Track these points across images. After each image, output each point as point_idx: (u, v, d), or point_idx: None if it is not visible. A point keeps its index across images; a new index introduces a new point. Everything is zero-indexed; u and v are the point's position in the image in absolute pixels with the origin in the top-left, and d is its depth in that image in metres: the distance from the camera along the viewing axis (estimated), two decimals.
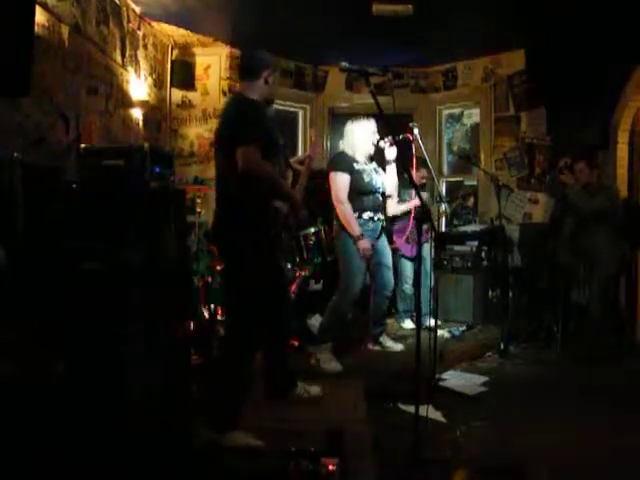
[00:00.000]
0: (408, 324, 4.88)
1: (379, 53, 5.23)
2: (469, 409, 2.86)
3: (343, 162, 3.58)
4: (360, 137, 3.61)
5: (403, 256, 4.86)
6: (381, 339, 4.03)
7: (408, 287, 4.86)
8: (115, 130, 4.12)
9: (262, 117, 2.43)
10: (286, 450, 2.01)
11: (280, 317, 2.63)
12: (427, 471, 2.15)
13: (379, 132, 3.66)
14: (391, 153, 3.65)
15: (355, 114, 3.81)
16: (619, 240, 4.15)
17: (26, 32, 2.35)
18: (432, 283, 4.40)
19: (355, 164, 3.57)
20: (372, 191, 3.62)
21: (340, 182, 3.52)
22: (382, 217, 3.69)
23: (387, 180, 3.73)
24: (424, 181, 4.94)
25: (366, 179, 3.59)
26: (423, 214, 2.37)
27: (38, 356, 1.98)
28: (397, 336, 4.51)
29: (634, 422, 2.69)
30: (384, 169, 3.75)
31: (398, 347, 4.04)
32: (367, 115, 3.66)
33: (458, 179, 6.27)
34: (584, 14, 4.21)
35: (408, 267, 4.87)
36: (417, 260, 2.53)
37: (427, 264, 4.66)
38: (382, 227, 3.72)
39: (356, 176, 3.55)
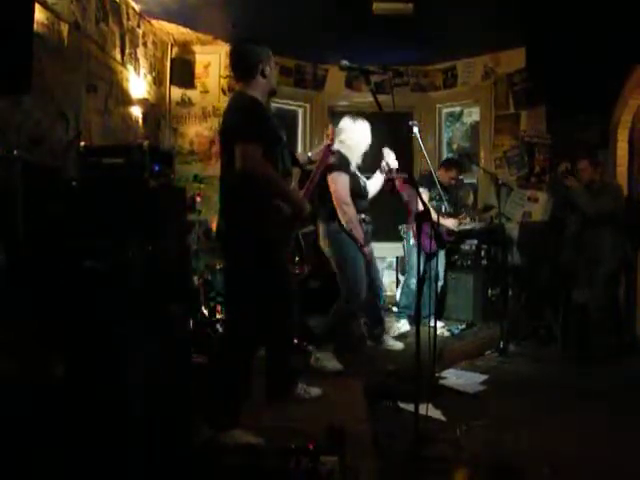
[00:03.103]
0: (404, 325, 4.83)
1: (379, 51, 5.22)
2: (469, 408, 2.87)
3: (344, 163, 3.50)
4: (360, 138, 3.55)
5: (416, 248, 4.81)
6: (382, 338, 3.99)
7: (414, 282, 4.82)
8: (115, 128, 4.11)
9: (261, 115, 2.41)
10: (286, 448, 2.02)
11: (283, 316, 2.63)
12: (427, 469, 2.16)
13: (380, 132, 3.64)
14: (392, 161, 3.62)
15: (355, 113, 3.78)
16: (622, 239, 4.14)
17: (26, 30, 2.34)
18: (440, 286, 4.35)
19: (351, 165, 3.52)
20: (365, 194, 3.60)
21: (344, 183, 3.43)
22: (369, 219, 3.66)
23: (371, 184, 3.71)
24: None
25: (361, 182, 3.57)
26: (423, 214, 2.37)
27: (38, 356, 1.97)
28: (396, 335, 4.51)
29: (634, 421, 2.69)
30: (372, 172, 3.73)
31: (399, 346, 4.01)
32: (362, 114, 3.62)
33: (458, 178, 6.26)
34: (584, 13, 4.21)
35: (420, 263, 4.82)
36: (418, 260, 2.53)
37: (440, 266, 4.64)
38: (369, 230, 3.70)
39: (354, 178, 3.50)
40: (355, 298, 3.46)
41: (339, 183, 3.44)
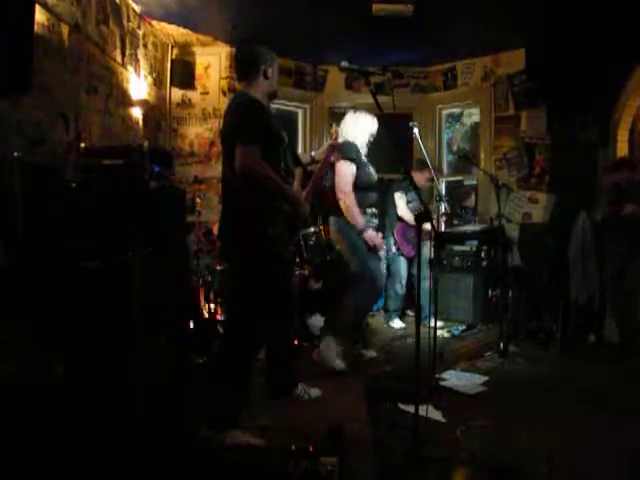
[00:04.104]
0: (397, 323, 4.90)
1: (379, 52, 5.23)
2: (469, 409, 2.87)
3: (352, 151, 3.41)
4: (361, 128, 3.51)
5: (400, 255, 4.88)
6: (358, 344, 3.86)
7: (400, 287, 4.88)
8: (115, 129, 4.11)
9: (261, 116, 2.42)
10: (286, 449, 2.02)
11: (283, 317, 2.63)
12: (427, 470, 2.16)
13: (380, 133, 3.62)
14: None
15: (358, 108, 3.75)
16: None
17: (26, 31, 2.35)
18: (429, 285, 4.32)
19: (361, 155, 3.46)
20: (374, 187, 3.55)
21: (348, 171, 3.36)
22: (377, 213, 3.63)
23: None
24: (428, 183, 4.97)
25: (372, 173, 3.51)
26: (424, 215, 2.36)
27: (38, 356, 1.97)
28: (396, 336, 4.52)
29: (634, 422, 2.69)
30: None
31: (371, 354, 3.88)
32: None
33: (458, 179, 6.27)
34: (584, 13, 4.21)
35: (403, 267, 4.90)
36: (418, 260, 2.53)
37: (423, 266, 4.66)
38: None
39: (364, 169, 3.43)
40: (375, 287, 3.44)
41: (342, 171, 3.37)
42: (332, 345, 3.37)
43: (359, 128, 3.52)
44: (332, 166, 3.42)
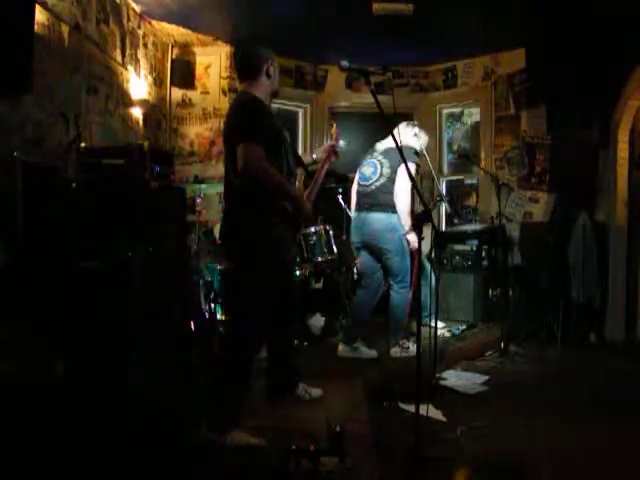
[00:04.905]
0: None
1: (379, 52, 5.22)
2: (469, 408, 2.87)
3: (413, 156, 3.59)
4: (407, 139, 3.68)
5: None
6: (356, 343, 3.78)
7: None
8: (115, 129, 4.11)
9: (263, 115, 2.41)
10: (286, 449, 2.02)
11: (284, 317, 2.63)
12: (427, 470, 2.15)
13: (378, 131, 3.66)
14: None
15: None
16: None
17: (27, 31, 2.35)
18: (432, 284, 4.32)
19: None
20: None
21: (411, 174, 3.52)
22: None
23: None
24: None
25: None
26: (424, 214, 2.36)
27: (38, 356, 1.98)
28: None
29: (634, 421, 2.69)
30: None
31: (372, 354, 3.78)
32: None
33: (459, 178, 6.27)
34: (584, 14, 4.21)
35: None
36: (418, 260, 2.53)
37: (426, 265, 4.66)
38: None
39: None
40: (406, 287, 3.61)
41: (407, 173, 3.51)
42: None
43: (405, 139, 3.66)
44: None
